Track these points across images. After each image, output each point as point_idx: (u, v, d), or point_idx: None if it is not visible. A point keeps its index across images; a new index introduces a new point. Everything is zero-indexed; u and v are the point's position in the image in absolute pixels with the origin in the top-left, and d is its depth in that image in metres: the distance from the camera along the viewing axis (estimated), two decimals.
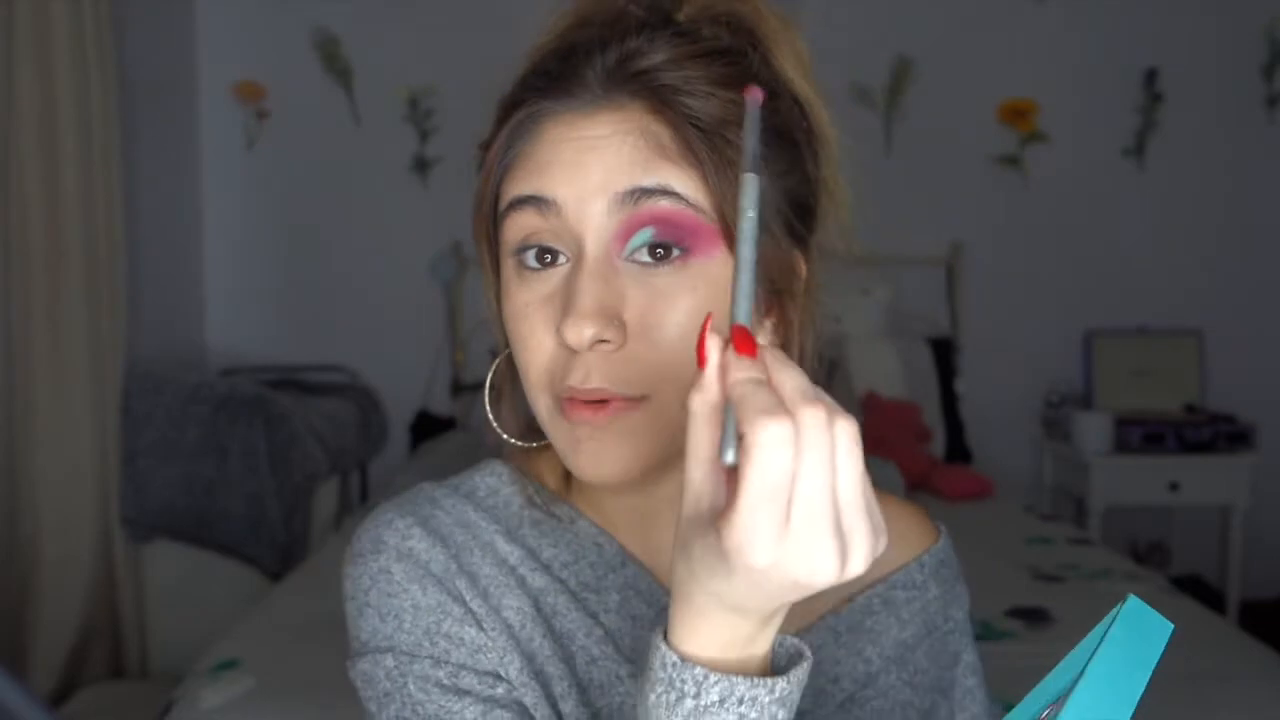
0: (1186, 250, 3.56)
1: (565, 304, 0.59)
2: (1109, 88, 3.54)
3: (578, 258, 0.60)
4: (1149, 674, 0.51)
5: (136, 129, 2.90)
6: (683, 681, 0.48)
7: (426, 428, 3.41)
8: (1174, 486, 3.21)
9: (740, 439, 0.43)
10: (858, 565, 0.44)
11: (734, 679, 0.48)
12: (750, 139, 0.49)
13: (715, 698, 0.47)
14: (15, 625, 2.44)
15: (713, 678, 0.48)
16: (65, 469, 2.50)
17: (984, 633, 1.84)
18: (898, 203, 3.50)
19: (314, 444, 2.76)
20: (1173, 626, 0.53)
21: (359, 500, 3.32)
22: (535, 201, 0.61)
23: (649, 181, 0.59)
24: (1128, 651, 0.52)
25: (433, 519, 0.69)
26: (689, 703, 0.48)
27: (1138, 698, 0.51)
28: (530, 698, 0.65)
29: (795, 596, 0.46)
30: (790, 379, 0.45)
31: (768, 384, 0.44)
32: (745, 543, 0.42)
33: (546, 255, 0.61)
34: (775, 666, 0.51)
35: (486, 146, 0.66)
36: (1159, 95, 3.53)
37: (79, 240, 2.49)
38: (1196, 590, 3.14)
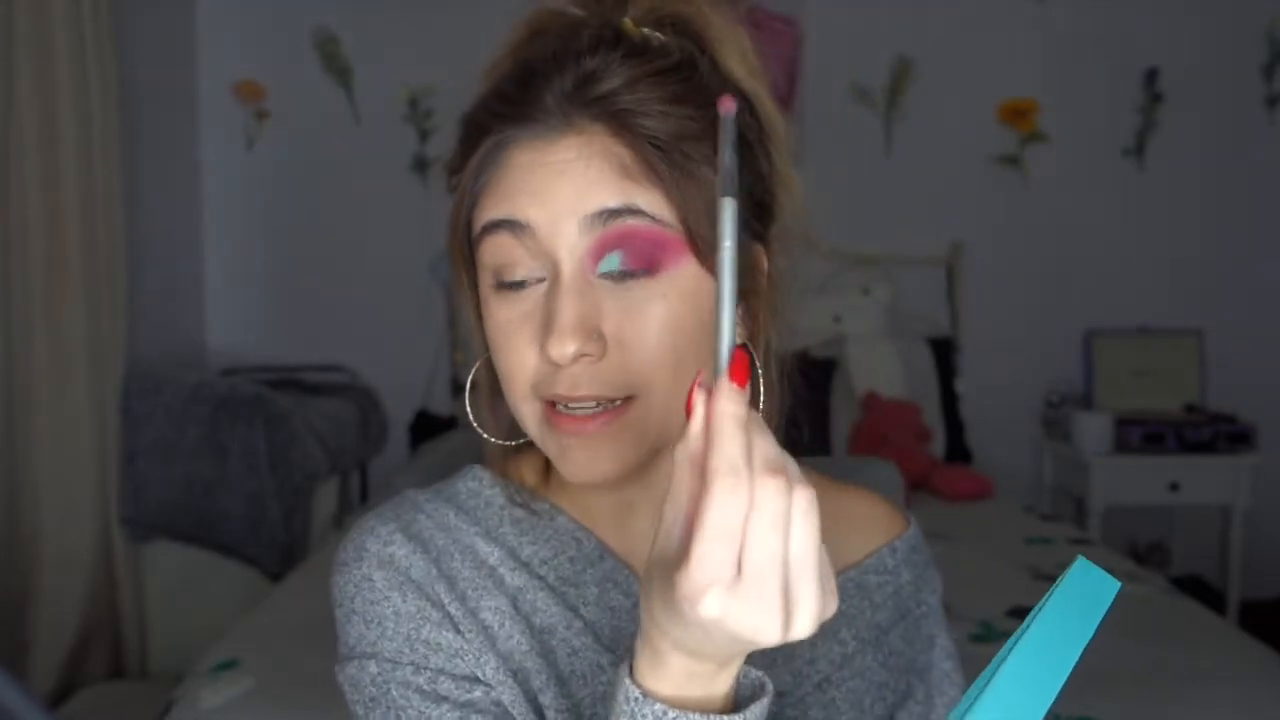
0: (1186, 250, 3.56)
1: (546, 321, 0.63)
2: (1109, 88, 3.54)
3: (554, 276, 0.63)
4: (1091, 632, 0.52)
5: (136, 129, 2.90)
6: (643, 716, 0.51)
7: (426, 428, 3.40)
8: (1174, 486, 3.21)
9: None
10: (803, 628, 0.46)
11: (691, 715, 0.50)
12: (726, 152, 0.50)
13: None
14: (15, 625, 2.44)
15: (671, 714, 0.50)
16: (65, 469, 2.49)
17: (984, 633, 1.84)
18: (898, 203, 3.50)
19: (314, 444, 2.76)
20: (1119, 584, 0.54)
21: (359, 500, 3.32)
22: (509, 225, 0.64)
23: (615, 202, 0.62)
24: (1071, 611, 0.53)
25: (414, 524, 0.72)
26: None
27: (1078, 654, 0.52)
28: (508, 695, 0.68)
29: (741, 650, 0.48)
30: (760, 444, 0.46)
31: (746, 425, 0.46)
32: (697, 591, 0.44)
33: (523, 276, 0.64)
34: (739, 697, 0.53)
35: (455, 170, 0.69)
36: (1159, 95, 3.53)
37: (79, 240, 2.49)
38: (1196, 590, 3.14)
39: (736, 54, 0.69)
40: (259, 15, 3.46)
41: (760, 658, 0.71)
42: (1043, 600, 0.54)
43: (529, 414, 0.66)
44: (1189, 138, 3.53)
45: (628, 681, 0.51)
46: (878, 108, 3.53)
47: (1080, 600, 0.53)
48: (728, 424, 0.45)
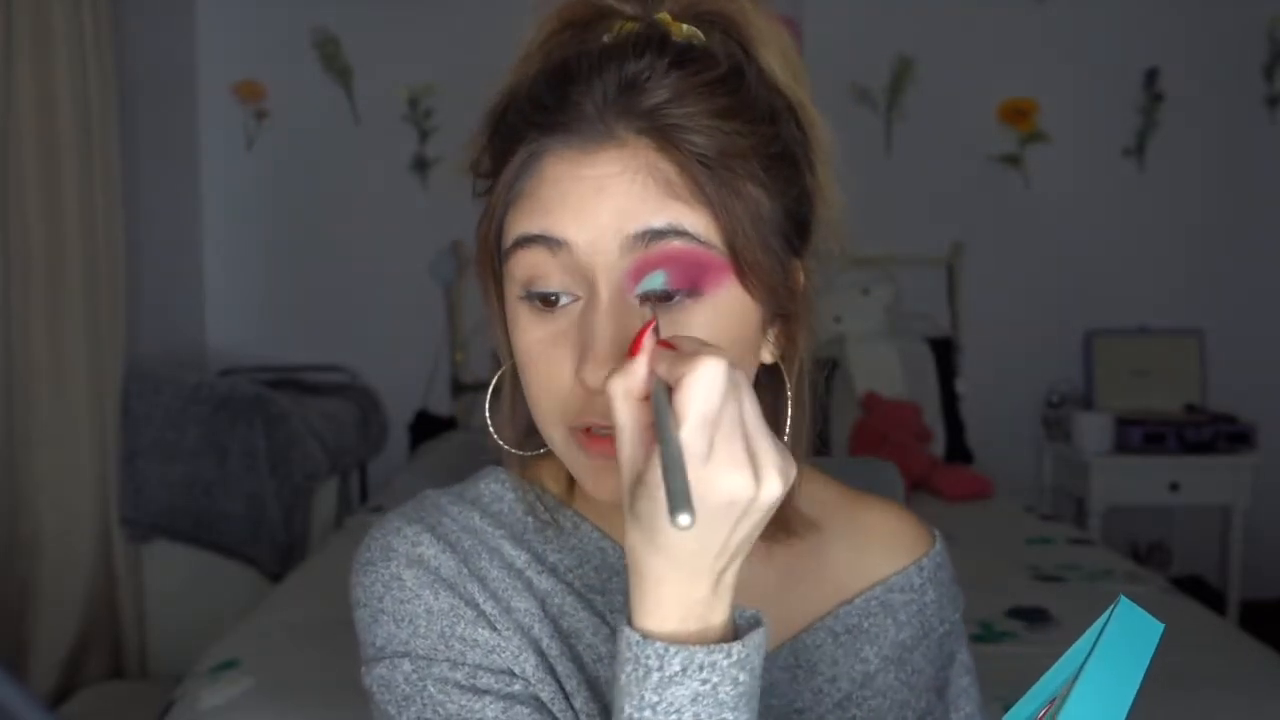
0: (1186, 250, 3.56)
1: (583, 345, 0.59)
2: (1109, 88, 3.54)
3: (590, 296, 0.60)
4: (1142, 674, 0.53)
5: (136, 129, 2.90)
6: (646, 657, 0.52)
7: (426, 428, 3.40)
8: (1174, 487, 3.21)
9: (669, 386, 0.49)
10: (773, 485, 0.50)
11: (693, 648, 0.51)
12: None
13: (677, 667, 0.51)
14: (15, 625, 2.44)
15: (673, 649, 0.51)
16: (65, 469, 2.49)
17: (984, 633, 1.84)
18: (898, 203, 3.50)
19: (314, 444, 2.76)
20: (1163, 626, 0.54)
21: (359, 500, 3.32)
22: (545, 241, 0.60)
23: (659, 222, 0.59)
24: (1121, 653, 0.53)
25: (440, 525, 0.70)
26: (654, 676, 0.51)
27: (1132, 698, 0.52)
28: (547, 693, 0.67)
29: (727, 527, 0.50)
30: (690, 341, 0.52)
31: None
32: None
33: (557, 291, 0.61)
34: (738, 631, 0.54)
35: (482, 174, 0.66)
36: (1159, 95, 3.53)
37: (79, 240, 2.49)
38: (1196, 590, 3.14)
39: (778, 56, 0.66)
40: (259, 15, 3.46)
41: (780, 674, 0.71)
42: (1087, 642, 0.54)
43: (557, 437, 0.63)
44: (1189, 138, 3.53)
45: (626, 629, 0.52)
46: (878, 108, 3.53)
47: (1126, 643, 0.53)
48: (670, 351, 0.51)
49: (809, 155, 0.67)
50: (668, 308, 0.60)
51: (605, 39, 0.64)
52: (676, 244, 0.59)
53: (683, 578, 0.51)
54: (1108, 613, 0.54)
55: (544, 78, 0.62)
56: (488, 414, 0.71)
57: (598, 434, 0.61)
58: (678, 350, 0.51)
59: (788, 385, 0.67)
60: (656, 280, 0.59)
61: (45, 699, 2.40)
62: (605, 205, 0.59)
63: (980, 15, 3.51)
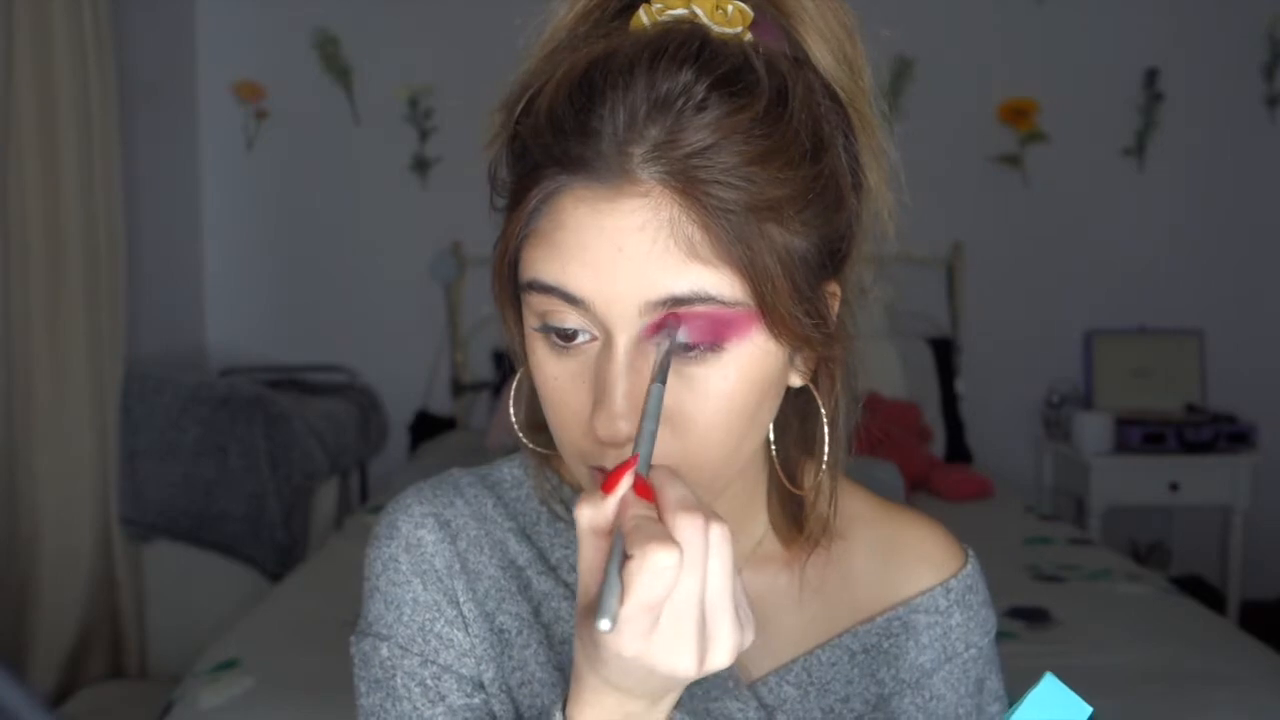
0: (1186, 250, 3.56)
1: (598, 393, 0.57)
2: (1109, 88, 3.53)
3: (607, 342, 0.57)
4: None
5: (136, 129, 2.90)
6: None
7: (426, 428, 3.41)
8: (1174, 487, 3.21)
9: (628, 559, 0.47)
10: (720, 660, 0.48)
11: None
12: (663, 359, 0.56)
13: None
14: (15, 625, 2.44)
15: None
16: (65, 469, 2.50)
17: None
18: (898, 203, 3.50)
19: (314, 444, 2.76)
20: (1091, 710, 0.50)
21: (359, 500, 3.32)
22: (561, 294, 0.57)
23: (682, 288, 0.55)
24: None
25: (450, 508, 0.71)
26: None
27: None
28: (498, 707, 0.68)
29: (661, 685, 0.50)
30: (673, 490, 0.49)
31: (657, 518, 0.48)
32: (616, 637, 0.47)
33: (574, 328, 0.58)
34: None
35: (499, 189, 0.61)
36: (1159, 95, 3.53)
37: (79, 240, 2.49)
38: (1196, 590, 3.14)
39: (833, 44, 0.63)
40: (259, 15, 3.46)
41: (791, 690, 0.70)
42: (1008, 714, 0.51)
43: (579, 471, 0.62)
44: (1189, 138, 3.53)
45: (559, 717, 0.53)
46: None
47: None
48: (639, 520, 0.48)
49: (858, 169, 0.62)
50: (687, 360, 0.57)
51: (644, 20, 0.59)
52: (700, 308, 0.55)
53: (618, 696, 0.51)
54: (1032, 688, 0.50)
55: (565, 90, 0.56)
56: (511, 410, 0.69)
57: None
58: (655, 501, 0.49)
59: (823, 413, 0.66)
60: (678, 334, 0.56)
61: (45, 699, 2.40)
62: (624, 267, 0.55)
63: (980, 15, 3.51)
